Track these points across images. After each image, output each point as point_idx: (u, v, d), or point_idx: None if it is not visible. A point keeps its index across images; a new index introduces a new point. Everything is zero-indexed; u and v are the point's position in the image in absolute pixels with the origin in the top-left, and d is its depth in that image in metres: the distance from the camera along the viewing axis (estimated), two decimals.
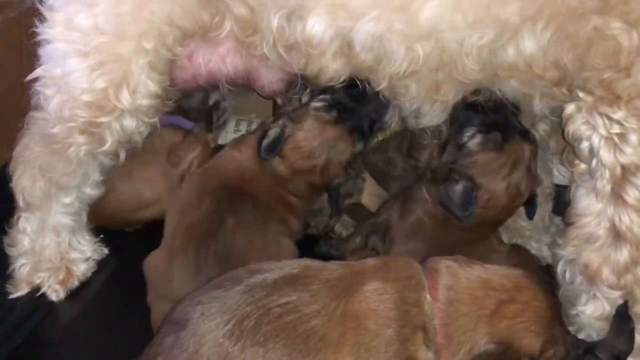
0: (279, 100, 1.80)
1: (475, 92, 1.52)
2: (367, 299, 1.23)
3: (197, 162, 1.87)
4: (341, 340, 1.18)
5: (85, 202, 1.72)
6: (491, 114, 1.56)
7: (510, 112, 1.57)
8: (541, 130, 1.71)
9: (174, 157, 1.88)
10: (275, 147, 1.66)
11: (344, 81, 1.54)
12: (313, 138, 1.65)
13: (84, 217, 1.77)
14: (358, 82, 1.54)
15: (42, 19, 1.50)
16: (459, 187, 1.55)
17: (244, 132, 2.21)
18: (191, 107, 1.97)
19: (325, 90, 1.65)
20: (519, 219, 1.82)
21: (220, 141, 2.13)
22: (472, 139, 1.58)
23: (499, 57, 1.38)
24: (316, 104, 1.66)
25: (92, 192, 1.69)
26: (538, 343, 1.22)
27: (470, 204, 1.54)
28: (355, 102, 1.65)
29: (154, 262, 1.60)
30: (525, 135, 1.59)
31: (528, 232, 1.87)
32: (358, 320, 1.21)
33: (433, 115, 1.56)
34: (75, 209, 1.72)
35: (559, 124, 1.52)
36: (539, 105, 1.49)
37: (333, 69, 1.49)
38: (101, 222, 1.85)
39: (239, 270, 1.31)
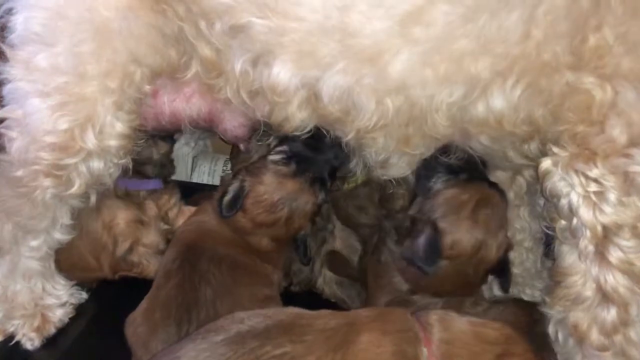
0: (241, 146, 1.75)
1: (445, 150, 1.48)
2: (364, 352, 1.20)
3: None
4: None
5: (53, 246, 1.66)
6: (458, 162, 1.51)
7: (479, 165, 1.52)
8: (527, 175, 1.67)
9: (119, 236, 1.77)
10: (236, 203, 1.61)
11: (309, 131, 1.49)
12: (273, 192, 1.60)
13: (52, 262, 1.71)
14: (317, 130, 1.49)
15: (3, 57, 1.45)
16: (421, 239, 1.49)
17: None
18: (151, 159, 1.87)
19: (282, 140, 1.62)
20: (513, 267, 1.73)
21: (207, 181, 2.08)
22: (437, 181, 1.53)
23: (469, 113, 1.36)
24: (274, 156, 1.63)
25: (61, 236, 1.63)
26: None
27: (434, 253, 1.47)
28: (314, 151, 1.61)
29: (134, 329, 1.52)
30: (493, 185, 1.54)
31: (521, 279, 1.81)
32: None
33: (400, 167, 1.53)
34: (43, 253, 1.65)
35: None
36: (514, 157, 1.45)
37: (299, 119, 1.45)
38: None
39: (222, 321, 1.26)
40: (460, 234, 1.48)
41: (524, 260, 1.79)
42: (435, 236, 1.48)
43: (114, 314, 1.64)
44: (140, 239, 1.78)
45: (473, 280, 1.54)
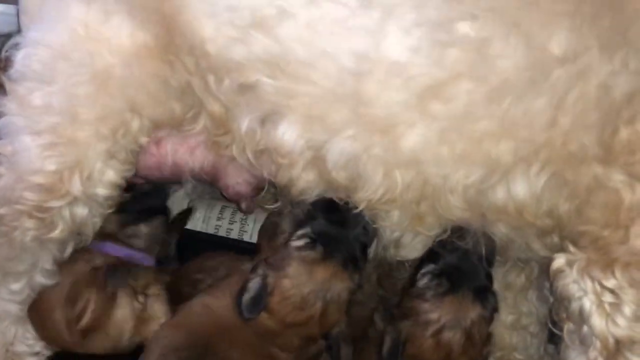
0: (242, 205, 1.66)
1: (457, 231, 1.40)
2: None
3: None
4: None
5: (36, 290, 1.57)
6: (455, 257, 1.41)
7: (478, 263, 1.41)
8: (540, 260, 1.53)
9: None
10: (259, 303, 1.39)
11: (317, 196, 1.41)
12: (303, 284, 1.38)
13: None
14: (336, 202, 1.41)
15: (3, 90, 1.42)
16: (388, 339, 1.40)
17: (227, 219, 2.09)
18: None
19: (301, 223, 1.45)
20: (516, 353, 1.70)
21: (199, 228, 2.01)
22: (422, 279, 1.42)
23: (487, 198, 1.28)
24: (297, 242, 1.42)
25: (43, 280, 1.55)
26: None
27: (394, 358, 1.39)
28: (339, 227, 1.42)
29: None
30: (482, 294, 1.41)
31: None
32: None
33: (413, 248, 1.44)
34: (24, 296, 1.57)
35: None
36: (538, 249, 1.37)
37: (305, 181, 1.38)
38: None
39: None
40: (425, 348, 1.38)
41: (528, 345, 1.71)
42: (398, 342, 1.39)
43: None
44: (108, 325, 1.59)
45: None
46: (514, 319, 1.67)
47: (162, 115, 1.42)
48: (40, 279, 1.54)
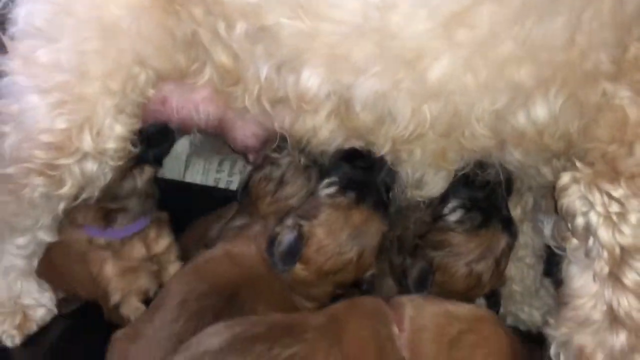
0: (249, 157, 1.67)
1: (477, 165, 1.44)
2: (354, 340, 1.20)
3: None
4: None
5: (41, 246, 1.61)
6: (480, 192, 1.47)
7: (502, 195, 1.47)
8: (535, 191, 1.63)
9: None
10: (295, 254, 1.38)
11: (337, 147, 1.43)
12: (338, 230, 1.39)
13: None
14: (358, 150, 1.43)
15: (2, 49, 1.40)
16: (416, 269, 1.46)
17: (226, 172, 2.11)
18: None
19: (326, 173, 1.46)
20: (513, 284, 1.75)
21: (200, 180, 2.03)
22: (452, 213, 1.47)
23: (509, 123, 1.31)
24: (327, 190, 1.43)
25: (44, 236, 1.58)
26: None
27: (423, 286, 1.44)
28: (365, 172, 1.44)
29: (120, 354, 1.36)
30: (508, 224, 1.48)
31: (520, 297, 1.79)
32: None
33: (434, 185, 1.47)
34: (30, 251, 1.61)
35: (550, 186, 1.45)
36: (547, 173, 1.42)
37: (327, 130, 1.39)
38: None
39: (204, 332, 1.20)
40: (457, 277, 1.45)
41: (524, 277, 1.77)
42: (429, 270, 1.45)
43: (98, 313, 1.64)
44: (131, 288, 1.64)
45: None
46: None
47: (168, 68, 1.42)
48: (43, 235, 1.57)
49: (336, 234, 1.38)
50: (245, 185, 1.60)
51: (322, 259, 1.38)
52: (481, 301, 1.56)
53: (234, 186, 2.09)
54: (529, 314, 1.79)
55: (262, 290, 1.39)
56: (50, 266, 1.65)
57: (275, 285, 1.41)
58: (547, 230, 1.72)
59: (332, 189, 1.42)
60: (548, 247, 1.75)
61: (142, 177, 1.62)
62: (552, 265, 1.69)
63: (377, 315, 1.24)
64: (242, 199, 1.60)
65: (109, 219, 1.60)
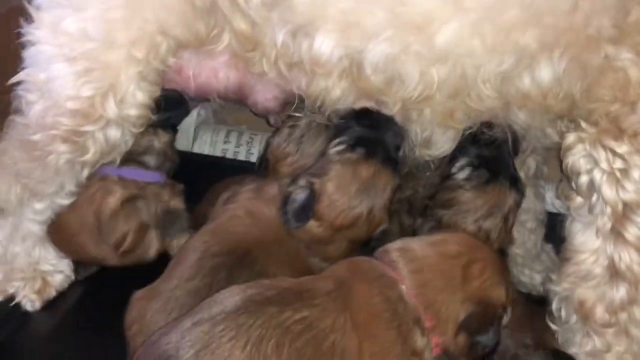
0: (271, 119, 1.72)
1: (485, 125, 1.48)
2: (365, 307, 1.20)
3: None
4: (359, 352, 1.14)
5: (56, 211, 1.66)
6: (487, 150, 1.51)
7: (508, 153, 1.52)
8: (537, 156, 1.69)
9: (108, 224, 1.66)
10: (307, 210, 1.43)
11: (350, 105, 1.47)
12: (349, 184, 1.43)
13: None
14: (369, 109, 1.47)
15: (29, 19, 1.44)
16: (425, 229, 1.51)
17: (233, 143, 2.15)
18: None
19: (336, 133, 1.50)
20: (514, 248, 1.79)
21: (208, 151, 2.07)
22: (460, 171, 1.52)
23: (514, 85, 1.34)
24: (336, 148, 1.47)
25: (64, 202, 1.63)
26: (504, 291, 1.27)
27: None
28: (374, 130, 1.47)
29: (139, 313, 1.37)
30: (515, 181, 1.52)
31: (521, 259, 1.84)
32: (366, 329, 1.17)
33: (442, 145, 1.52)
34: (46, 217, 1.66)
35: (552, 150, 1.54)
36: (552, 134, 1.46)
37: (339, 89, 1.43)
38: None
39: (220, 294, 1.18)
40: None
41: (525, 240, 1.81)
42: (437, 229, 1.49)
43: (114, 278, 1.70)
44: (139, 219, 1.70)
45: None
46: None
47: (188, 36, 1.45)
48: (62, 201, 1.62)
49: (346, 189, 1.43)
50: (263, 154, 1.66)
51: (334, 214, 1.43)
52: None
53: (241, 157, 2.13)
54: (530, 276, 1.84)
55: (275, 252, 1.42)
56: (59, 227, 1.69)
57: (289, 247, 1.44)
58: (549, 196, 1.83)
59: (341, 147, 1.47)
60: (549, 213, 1.84)
61: (158, 139, 1.69)
62: (552, 231, 1.76)
63: (380, 279, 1.24)
64: (261, 168, 1.66)
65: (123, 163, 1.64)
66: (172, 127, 1.76)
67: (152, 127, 1.64)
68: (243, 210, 1.50)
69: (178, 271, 1.38)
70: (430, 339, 1.22)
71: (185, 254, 1.43)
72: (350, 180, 1.43)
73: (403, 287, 1.23)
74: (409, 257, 1.27)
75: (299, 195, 1.44)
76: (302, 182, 1.46)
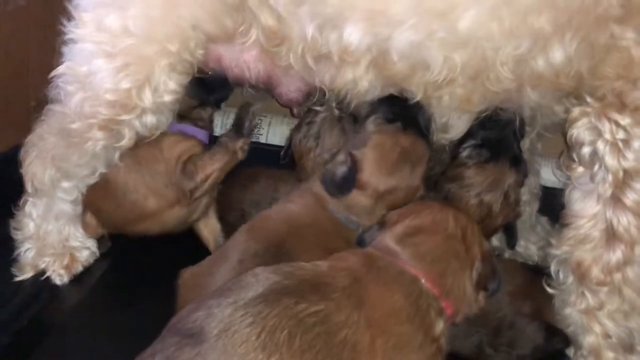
0: (294, 111, 1.82)
1: (495, 111, 1.56)
2: (381, 305, 1.21)
3: (217, 176, 1.73)
4: (372, 349, 1.15)
5: (83, 190, 1.74)
6: (493, 132, 1.61)
7: (514, 135, 1.63)
8: (532, 133, 1.77)
9: (191, 167, 1.71)
10: (350, 180, 1.49)
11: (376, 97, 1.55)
12: (390, 152, 1.50)
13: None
14: (396, 95, 1.55)
15: (69, 17, 1.53)
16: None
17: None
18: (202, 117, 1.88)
19: (370, 112, 1.58)
20: None
21: (218, 133, 2.12)
22: (464, 151, 1.64)
23: (530, 66, 1.40)
24: (374, 122, 1.56)
25: (91, 181, 1.71)
26: (486, 242, 1.38)
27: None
28: (406, 109, 1.54)
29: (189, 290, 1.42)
30: (516, 162, 1.63)
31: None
32: (382, 326, 1.18)
33: (457, 128, 1.61)
34: (75, 197, 1.74)
35: (548, 127, 1.64)
36: (559, 111, 1.53)
37: (367, 80, 1.50)
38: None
39: (246, 278, 1.20)
40: (469, 207, 1.60)
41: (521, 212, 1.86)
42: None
43: (136, 255, 1.83)
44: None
45: None
46: None
47: (217, 31, 1.54)
48: (90, 181, 1.71)
49: (387, 156, 1.50)
50: (288, 148, 1.78)
51: (376, 180, 1.49)
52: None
53: (252, 138, 2.24)
54: (526, 247, 1.93)
55: (304, 239, 1.46)
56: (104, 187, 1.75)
57: (317, 231, 1.49)
58: (544, 171, 1.93)
59: (379, 120, 1.55)
60: (544, 187, 1.94)
61: (206, 112, 1.85)
62: (547, 204, 1.88)
63: (401, 275, 1.26)
64: (285, 159, 1.80)
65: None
66: (217, 103, 1.90)
67: (200, 105, 1.81)
68: (282, 206, 1.58)
69: (224, 267, 1.43)
70: (448, 320, 1.26)
71: (230, 251, 1.48)
72: (390, 148, 1.51)
73: (423, 280, 1.26)
74: (408, 244, 1.31)
75: (340, 169, 1.50)
76: (341, 158, 1.52)
